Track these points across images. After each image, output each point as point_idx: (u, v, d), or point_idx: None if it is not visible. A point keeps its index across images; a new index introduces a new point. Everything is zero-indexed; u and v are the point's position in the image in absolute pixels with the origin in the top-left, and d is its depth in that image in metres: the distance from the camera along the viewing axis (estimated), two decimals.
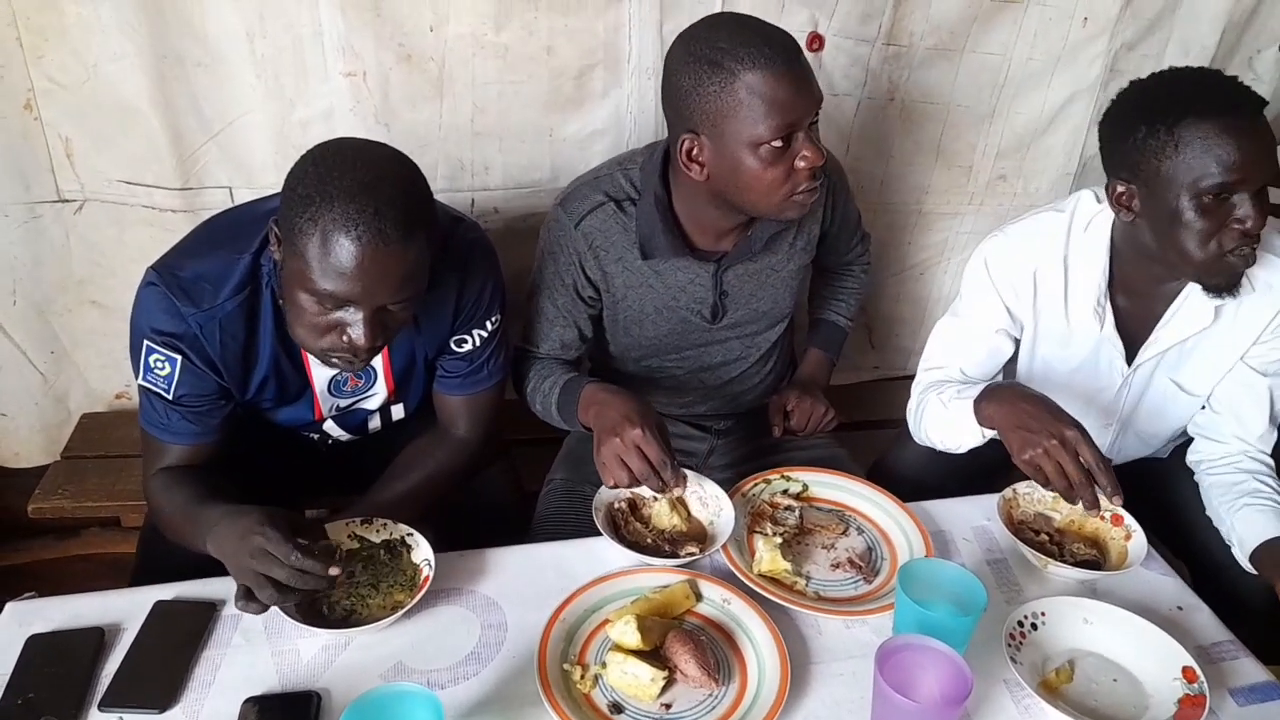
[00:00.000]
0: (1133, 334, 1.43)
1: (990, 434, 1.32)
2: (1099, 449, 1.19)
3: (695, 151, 1.31)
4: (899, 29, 1.87)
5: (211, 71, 1.64)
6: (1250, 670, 1.14)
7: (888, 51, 1.90)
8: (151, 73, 1.61)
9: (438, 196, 1.79)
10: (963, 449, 1.41)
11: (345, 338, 1.12)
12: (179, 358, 1.20)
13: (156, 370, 1.21)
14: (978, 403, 1.31)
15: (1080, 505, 1.20)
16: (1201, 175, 1.21)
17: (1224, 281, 1.29)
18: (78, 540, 1.95)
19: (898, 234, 2.17)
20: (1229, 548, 1.36)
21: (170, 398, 1.22)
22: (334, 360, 1.17)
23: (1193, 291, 1.35)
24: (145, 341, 1.20)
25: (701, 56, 1.25)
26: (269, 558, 1.03)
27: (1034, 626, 1.15)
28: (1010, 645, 1.10)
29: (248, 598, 1.06)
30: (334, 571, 1.05)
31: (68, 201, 1.73)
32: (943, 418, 1.41)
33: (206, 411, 1.26)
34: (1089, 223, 1.39)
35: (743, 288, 1.53)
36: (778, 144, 1.26)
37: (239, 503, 1.13)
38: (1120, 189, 1.30)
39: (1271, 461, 1.41)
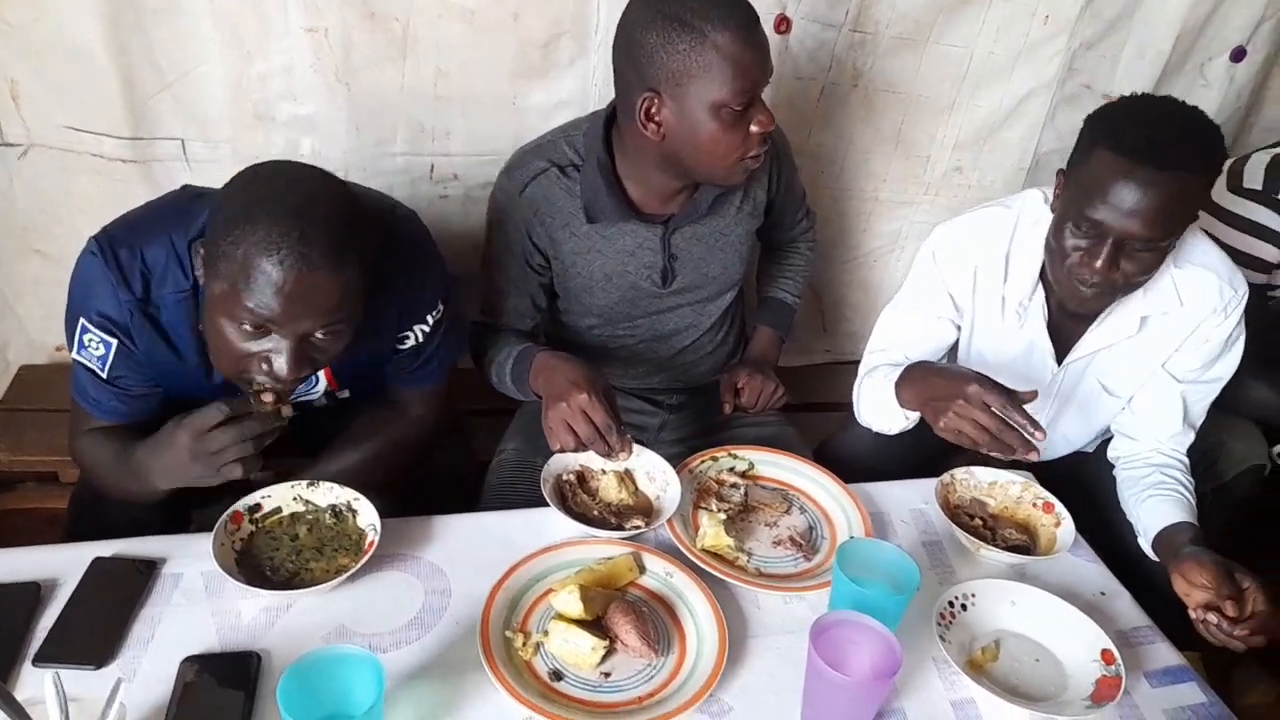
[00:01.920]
0: (1066, 334, 1.47)
1: (915, 415, 1.36)
2: (1005, 390, 1.21)
3: (654, 110, 1.32)
4: (866, 16, 1.89)
5: (169, 20, 1.60)
6: (1165, 654, 1.19)
7: (854, 38, 1.91)
8: (106, 17, 1.56)
9: (396, 159, 1.81)
10: (894, 431, 1.45)
11: (267, 366, 1.08)
12: (115, 342, 1.17)
13: (90, 349, 1.18)
14: (896, 387, 1.36)
15: (1016, 454, 1.22)
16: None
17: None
18: (14, 494, 1.91)
19: (854, 220, 2.20)
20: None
21: (104, 377, 1.20)
22: (259, 386, 1.10)
23: (1124, 300, 1.39)
24: (81, 319, 1.16)
25: (670, 15, 1.26)
26: (210, 437, 1.04)
27: (964, 607, 1.19)
28: (940, 624, 1.14)
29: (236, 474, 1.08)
30: (286, 411, 1.07)
31: (12, 146, 1.68)
32: (874, 400, 1.45)
33: (140, 395, 1.23)
34: (1035, 222, 1.42)
35: (692, 251, 1.55)
36: (738, 108, 1.28)
37: None
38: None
39: (1184, 458, 1.47)
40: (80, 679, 0.99)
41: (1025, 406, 1.21)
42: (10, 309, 1.84)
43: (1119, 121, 1.26)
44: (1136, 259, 1.26)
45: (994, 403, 1.21)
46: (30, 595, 1.09)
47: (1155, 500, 1.39)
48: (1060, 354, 1.48)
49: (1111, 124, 1.26)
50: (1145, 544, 1.39)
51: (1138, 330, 1.41)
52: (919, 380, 1.33)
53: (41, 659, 1.01)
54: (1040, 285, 1.42)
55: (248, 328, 1.05)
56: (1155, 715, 1.10)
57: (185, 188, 1.24)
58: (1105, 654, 1.13)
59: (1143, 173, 1.18)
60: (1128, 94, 1.33)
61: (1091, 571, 1.32)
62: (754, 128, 1.32)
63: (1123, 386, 1.50)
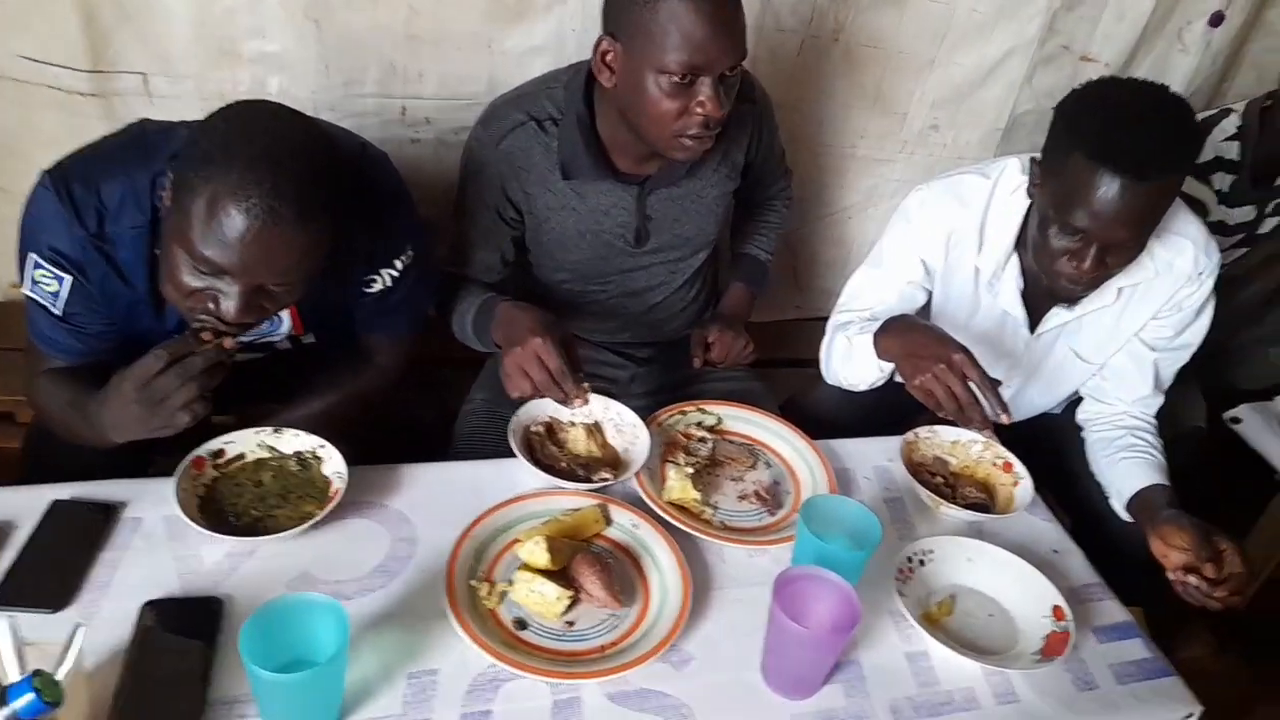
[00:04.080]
0: (1039, 304, 1.47)
1: (889, 367, 1.37)
2: (984, 370, 1.23)
3: (610, 56, 1.30)
4: None
5: None
6: (1113, 611, 1.23)
7: None
8: None
9: (366, 100, 1.76)
10: (864, 385, 1.46)
11: (214, 305, 1.06)
12: (69, 278, 1.14)
13: (43, 285, 1.15)
14: (876, 335, 1.36)
15: (974, 427, 1.26)
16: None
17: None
18: None
19: (830, 176, 2.19)
20: (1107, 499, 1.45)
21: (58, 314, 1.17)
22: (200, 321, 1.08)
23: None
24: (32, 255, 1.13)
25: None
26: (154, 384, 1.03)
27: (921, 563, 1.21)
28: (898, 579, 1.17)
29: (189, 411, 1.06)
30: (229, 344, 1.06)
31: None
32: (847, 353, 1.46)
33: (97, 334, 1.20)
34: (1012, 191, 1.41)
35: (666, 212, 1.54)
36: (678, 79, 1.25)
37: None
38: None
39: (1153, 420, 1.50)
40: (37, 624, 0.98)
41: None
42: None
43: (1093, 124, 1.22)
44: (1123, 253, 1.27)
45: (973, 377, 1.22)
46: None
47: (1128, 463, 1.42)
48: (1033, 323, 1.49)
49: (1086, 127, 1.22)
50: (1118, 505, 1.42)
51: (1114, 299, 1.42)
52: (903, 332, 1.33)
53: None
54: (1015, 255, 1.42)
55: (202, 267, 1.03)
56: (1101, 670, 1.14)
57: (144, 122, 1.20)
58: (1056, 610, 1.16)
59: (1123, 182, 1.18)
60: (1096, 80, 1.30)
61: (1046, 530, 1.35)
62: (696, 108, 1.27)
63: (1095, 353, 1.51)
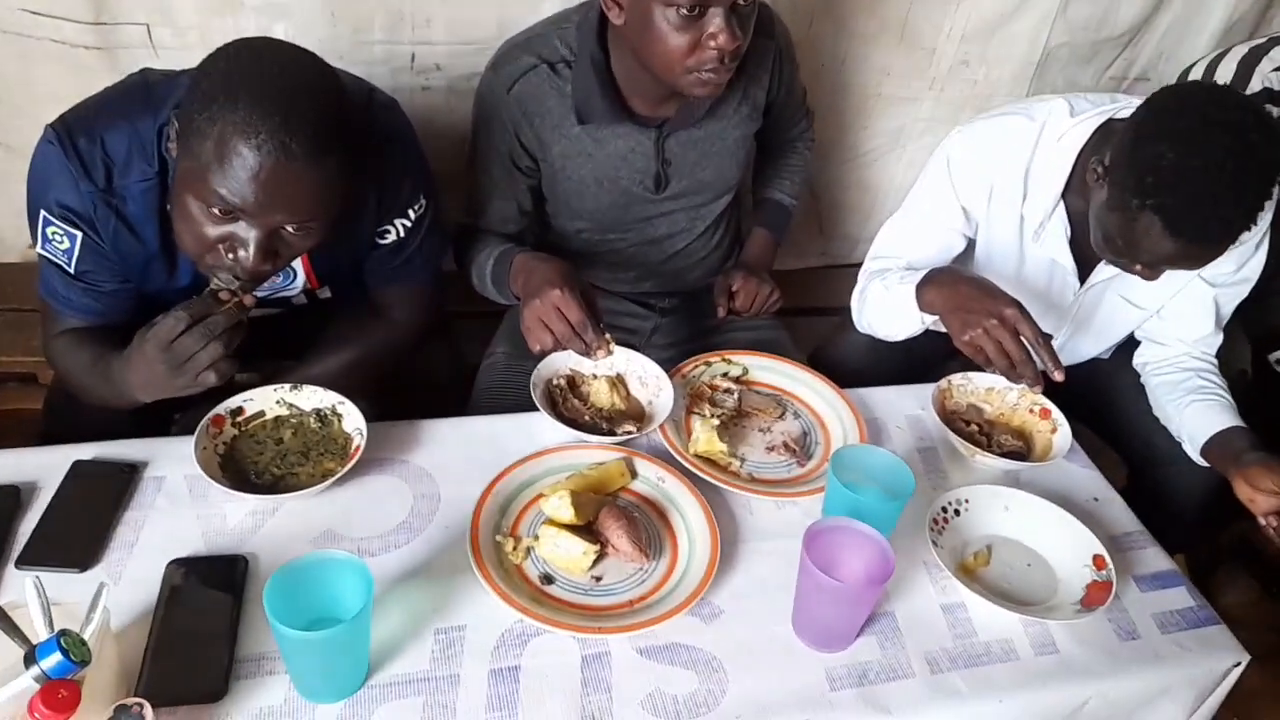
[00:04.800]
0: (1087, 252, 1.41)
1: (930, 320, 1.33)
2: (1038, 325, 1.20)
3: None
4: None
5: None
6: (1155, 559, 1.20)
7: None
8: None
9: (375, 47, 1.71)
10: (901, 336, 1.42)
11: (232, 256, 1.03)
12: (79, 234, 1.11)
13: (55, 243, 1.12)
14: (919, 288, 1.31)
15: (1024, 386, 1.22)
16: None
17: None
18: None
19: (854, 118, 2.11)
20: (1169, 444, 1.41)
21: (72, 272, 1.15)
22: (220, 277, 1.06)
23: None
24: (42, 212, 1.11)
25: None
26: (178, 345, 1.01)
27: (956, 513, 1.18)
28: (933, 530, 1.14)
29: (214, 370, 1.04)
30: (248, 301, 1.04)
31: None
32: (884, 304, 1.41)
33: (112, 292, 1.18)
34: (1060, 137, 1.33)
35: (686, 156, 1.49)
36: (687, 11, 1.19)
37: None
38: None
39: (1214, 360, 1.45)
40: (63, 583, 0.97)
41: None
42: None
43: (1172, 188, 1.11)
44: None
45: (1026, 333, 1.19)
46: (10, 498, 1.07)
47: (1199, 405, 1.37)
48: (1083, 272, 1.44)
49: (1165, 190, 1.12)
50: (1191, 450, 1.38)
51: None
52: (950, 284, 1.28)
53: (24, 562, 1.00)
54: (1061, 204, 1.36)
55: (216, 212, 1.00)
56: (1144, 619, 1.11)
57: (145, 71, 1.17)
58: (1097, 559, 1.13)
59: (1198, 251, 1.16)
60: (1179, 112, 1.14)
61: (1086, 477, 1.32)
62: (709, 42, 1.21)
63: (1150, 298, 1.45)
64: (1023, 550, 1.17)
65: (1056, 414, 1.33)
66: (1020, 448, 1.31)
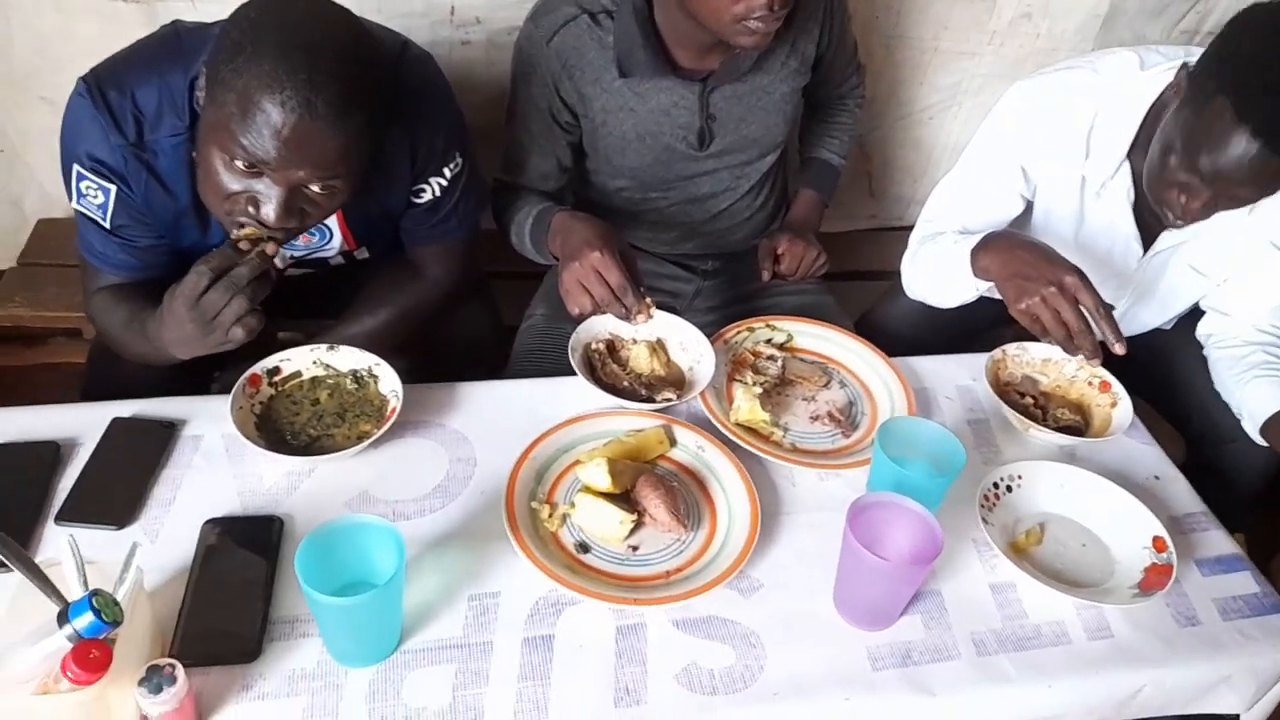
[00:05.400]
0: (1152, 218, 1.34)
1: (984, 286, 1.27)
2: (1099, 294, 1.14)
3: None
4: None
5: None
6: (1218, 542, 1.14)
7: None
8: None
9: (413, 1, 1.66)
10: (954, 303, 1.36)
11: (254, 209, 1.01)
12: (113, 188, 1.10)
13: (90, 198, 1.11)
14: (974, 252, 1.25)
15: (1081, 357, 1.16)
16: None
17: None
18: (44, 348, 1.91)
19: (910, 73, 2.03)
20: (1230, 421, 1.34)
21: (108, 227, 1.14)
22: (243, 224, 1.03)
23: None
24: (75, 166, 1.09)
25: None
26: (204, 302, 1.00)
27: (1009, 489, 1.14)
28: (983, 506, 1.09)
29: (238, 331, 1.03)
30: (271, 250, 1.02)
31: None
32: (938, 268, 1.35)
33: (147, 247, 1.17)
34: (1128, 92, 1.26)
35: (731, 111, 1.43)
36: None
37: None
38: None
39: None
40: (97, 542, 0.98)
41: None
42: (21, 160, 1.77)
43: (1249, 73, 1.06)
44: (1237, 205, 1.16)
45: (1087, 302, 1.13)
46: (50, 454, 1.07)
47: (1261, 381, 1.30)
48: (1146, 239, 1.36)
49: (1241, 72, 1.07)
50: (1251, 428, 1.30)
51: (1246, 212, 1.28)
52: (1007, 249, 1.22)
53: (64, 518, 1.01)
54: (1126, 164, 1.28)
55: (239, 165, 0.98)
56: (1205, 605, 1.06)
57: (176, 23, 1.14)
58: (1157, 541, 1.07)
59: (1261, 148, 1.05)
60: (1267, 5, 1.11)
61: (1146, 454, 1.26)
62: None
63: (1217, 267, 1.37)
64: (1078, 530, 1.12)
65: (1117, 387, 1.27)
66: (1077, 422, 1.26)
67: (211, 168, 1.00)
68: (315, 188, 1.01)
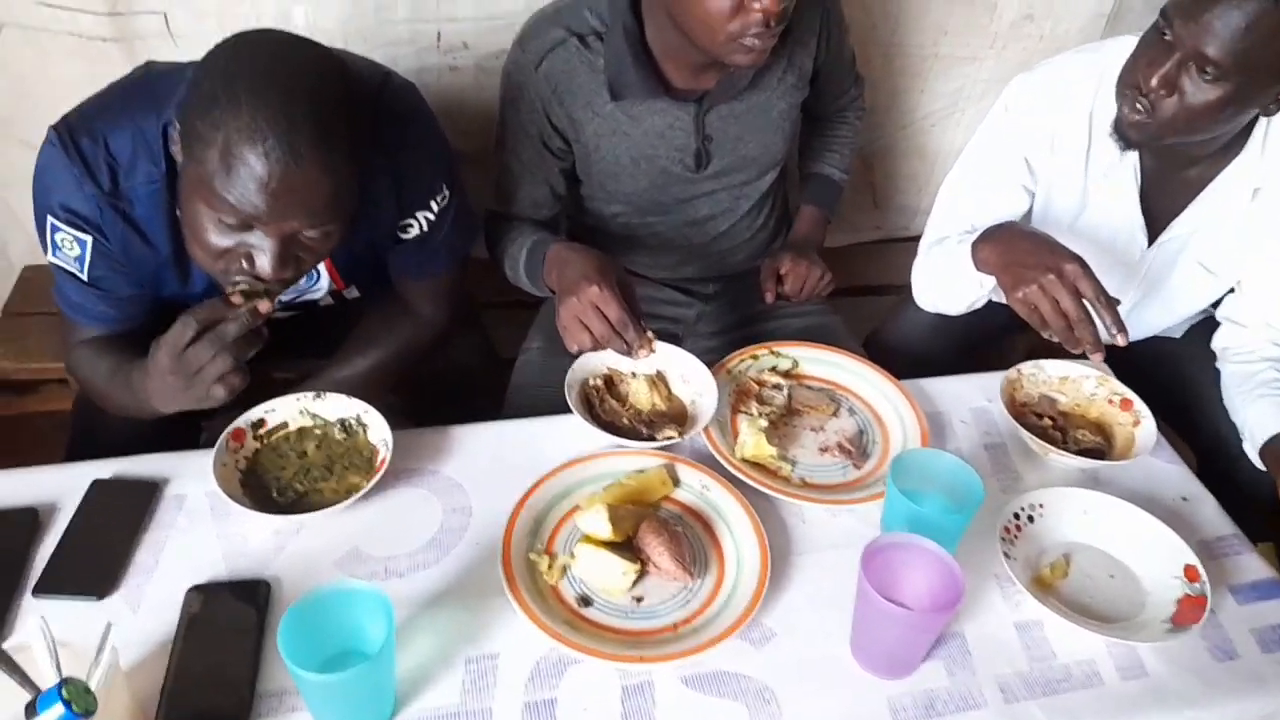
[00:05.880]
0: (1161, 208, 1.29)
1: (991, 283, 1.21)
2: (1100, 283, 1.08)
3: None
4: None
5: None
6: (1253, 567, 1.08)
7: None
8: None
9: (398, 26, 1.63)
10: (963, 306, 1.31)
11: (248, 264, 0.97)
12: (89, 239, 1.06)
13: (66, 250, 1.07)
14: (974, 245, 1.21)
15: (1084, 350, 1.10)
16: None
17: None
18: (35, 396, 1.87)
19: (910, 80, 1.98)
20: (1239, 436, 1.29)
21: (86, 279, 1.10)
22: (239, 283, 0.99)
23: (1238, 166, 1.21)
24: (49, 218, 1.06)
25: None
26: (188, 355, 0.95)
27: (1030, 519, 1.08)
28: (1004, 539, 1.04)
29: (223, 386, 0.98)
30: (264, 308, 0.97)
31: None
32: (944, 269, 1.30)
33: (128, 298, 1.13)
34: None
35: (728, 131, 1.39)
36: None
37: None
38: None
39: None
40: (76, 615, 0.93)
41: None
42: (3, 203, 1.74)
43: None
44: (1199, 87, 1.07)
45: (1087, 291, 1.07)
46: (28, 521, 1.03)
47: (1265, 402, 1.24)
48: (1152, 231, 1.31)
49: None
50: (1251, 450, 1.24)
51: (1250, 200, 1.22)
52: (1006, 240, 1.17)
53: (42, 590, 0.96)
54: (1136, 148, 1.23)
55: (229, 221, 0.94)
56: (1242, 636, 1.00)
57: (149, 64, 1.11)
58: (1189, 570, 1.02)
59: None
60: None
61: (1172, 474, 1.20)
62: (754, 4, 1.11)
63: (1227, 266, 1.32)
64: (1105, 560, 1.07)
65: (1139, 405, 1.21)
66: (1099, 444, 1.20)
67: (199, 226, 0.96)
68: (309, 234, 0.97)
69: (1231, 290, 1.36)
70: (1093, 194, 1.30)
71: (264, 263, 0.96)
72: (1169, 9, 1.07)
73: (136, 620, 0.94)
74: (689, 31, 1.19)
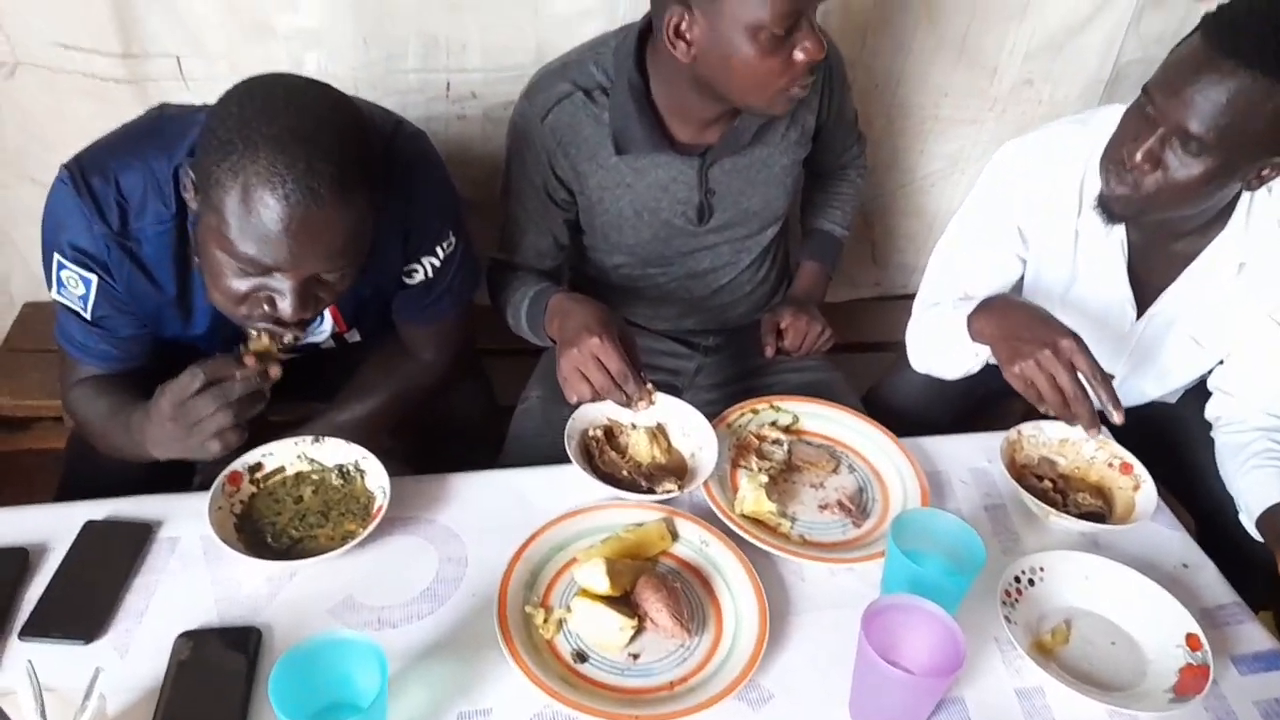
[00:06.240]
0: (1149, 281, 1.29)
1: (986, 353, 1.22)
2: (1095, 360, 1.08)
3: (684, 27, 1.17)
4: None
5: None
6: (1256, 636, 1.07)
7: None
8: None
9: (409, 76, 1.65)
10: (958, 372, 1.31)
11: (270, 307, 0.98)
12: (94, 278, 1.07)
13: (70, 288, 1.08)
14: (970, 316, 1.21)
15: (1080, 425, 1.11)
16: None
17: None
18: (29, 434, 1.85)
19: (911, 140, 2.01)
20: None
21: (89, 318, 1.10)
22: (259, 329, 1.01)
23: (1223, 241, 1.22)
24: (56, 255, 1.06)
25: None
26: (190, 405, 0.95)
27: (1031, 582, 1.07)
28: (1005, 603, 1.03)
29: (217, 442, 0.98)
30: (274, 373, 0.97)
31: None
32: (938, 336, 1.31)
33: (130, 337, 1.13)
34: None
35: (731, 185, 1.40)
36: (779, 31, 1.12)
37: None
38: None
39: None
40: (63, 659, 0.91)
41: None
42: (9, 240, 1.75)
43: (1234, 10, 1.05)
44: (1182, 162, 1.08)
45: (1083, 367, 1.07)
46: (18, 561, 1.01)
47: (1259, 473, 1.23)
48: (1141, 303, 1.32)
49: (1226, 11, 1.06)
50: (1247, 521, 1.24)
51: (1236, 275, 1.24)
52: (1001, 312, 1.18)
53: (28, 633, 0.94)
54: (1121, 226, 1.24)
55: (248, 268, 0.95)
56: (1246, 709, 0.99)
57: (162, 107, 1.12)
58: (1190, 639, 1.01)
59: (1212, 61, 1.02)
60: None
61: (1173, 540, 1.19)
62: (799, 55, 1.15)
63: (1216, 340, 1.32)
64: (1106, 626, 1.06)
65: (1139, 469, 1.21)
66: (1100, 507, 1.20)
67: (218, 272, 0.97)
68: (329, 275, 0.98)
69: (1221, 362, 1.36)
70: (1082, 265, 1.32)
71: (285, 305, 0.97)
72: (1151, 85, 1.09)
73: (125, 665, 0.92)
74: (732, 92, 1.21)
